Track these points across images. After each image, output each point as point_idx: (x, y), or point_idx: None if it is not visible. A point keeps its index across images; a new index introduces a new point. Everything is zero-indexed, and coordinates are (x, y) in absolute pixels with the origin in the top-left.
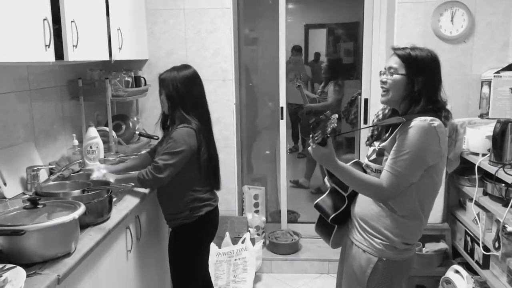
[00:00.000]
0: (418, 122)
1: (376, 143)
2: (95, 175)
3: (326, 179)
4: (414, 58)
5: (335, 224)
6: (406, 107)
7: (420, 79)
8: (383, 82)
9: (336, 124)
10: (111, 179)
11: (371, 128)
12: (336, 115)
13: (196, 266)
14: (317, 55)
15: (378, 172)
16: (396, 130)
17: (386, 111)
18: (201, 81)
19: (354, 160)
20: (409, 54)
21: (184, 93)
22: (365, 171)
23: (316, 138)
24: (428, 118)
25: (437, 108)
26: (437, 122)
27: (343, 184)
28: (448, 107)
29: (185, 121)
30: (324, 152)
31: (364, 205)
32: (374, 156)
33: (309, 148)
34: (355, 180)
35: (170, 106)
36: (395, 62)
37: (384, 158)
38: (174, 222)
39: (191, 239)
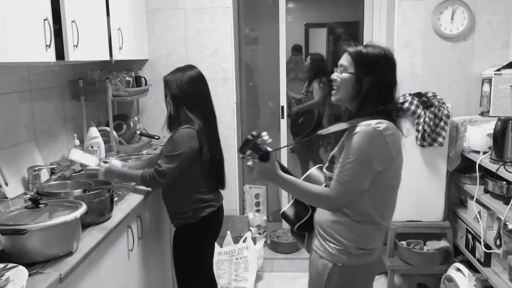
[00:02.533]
0: (363, 128)
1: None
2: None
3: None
4: (365, 56)
5: (303, 232)
6: (355, 107)
7: (368, 78)
8: (333, 80)
9: (271, 140)
10: (117, 167)
11: None
12: (265, 132)
13: (198, 265)
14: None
15: (331, 180)
16: (344, 136)
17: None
18: (206, 81)
19: (318, 165)
20: (360, 52)
21: (188, 93)
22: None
23: (249, 156)
24: (373, 122)
25: (390, 109)
26: (383, 125)
27: None
28: (449, 105)
29: (188, 122)
30: (266, 167)
31: (321, 212)
32: (327, 164)
33: (249, 163)
34: (302, 193)
35: (175, 107)
36: (345, 59)
37: (335, 165)
38: (178, 221)
39: (194, 239)
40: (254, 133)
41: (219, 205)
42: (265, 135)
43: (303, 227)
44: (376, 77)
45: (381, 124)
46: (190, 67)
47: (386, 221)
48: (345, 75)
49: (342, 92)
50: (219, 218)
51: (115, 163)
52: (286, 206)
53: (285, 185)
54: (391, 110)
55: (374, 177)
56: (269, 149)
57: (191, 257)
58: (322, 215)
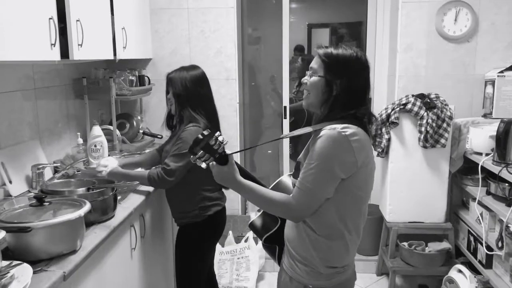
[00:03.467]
0: (327, 131)
1: None
2: (101, 165)
3: None
4: (335, 58)
5: (273, 245)
6: (324, 112)
7: (339, 81)
8: (304, 84)
9: (227, 141)
10: (119, 168)
11: None
12: (219, 132)
13: (201, 264)
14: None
15: None
16: (309, 140)
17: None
18: (209, 82)
19: (288, 173)
20: (330, 54)
21: (192, 92)
22: None
23: (200, 159)
24: (339, 126)
25: (361, 114)
26: (350, 130)
27: None
28: (452, 107)
29: (193, 120)
30: (224, 171)
31: (289, 226)
32: (294, 171)
33: (203, 166)
34: (261, 199)
35: (178, 105)
36: (315, 62)
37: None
38: (183, 220)
39: (199, 238)
40: (205, 132)
41: (224, 204)
42: (219, 136)
43: (271, 239)
44: (347, 79)
45: (348, 128)
46: (194, 67)
47: (354, 235)
48: (314, 78)
49: (312, 96)
50: (223, 218)
51: (111, 162)
52: (256, 216)
53: (243, 191)
54: (362, 116)
55: (339, 185)
56: (227, 151)
57: (195, 256)
58: (289, 231)
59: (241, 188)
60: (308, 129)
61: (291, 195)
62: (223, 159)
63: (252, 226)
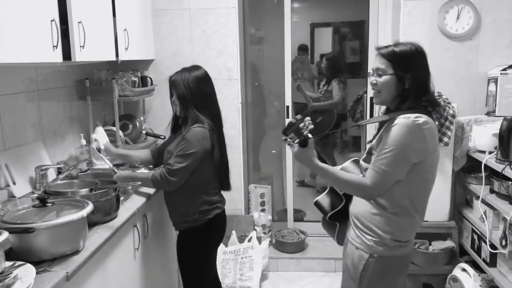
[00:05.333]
0: (402, 120)
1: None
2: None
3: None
4: (399, 55)
5: (336, 222)
6: (396, 104)
7: (409, 75)
8: (373, 84)
9: (313, 126)
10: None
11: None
12: (309, 118)
13: (204, 267)
14: (322, 56)
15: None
16: (383, 128)
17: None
18: (212, 82)
19: (353, 158)
20: (394, 52)
21: (195, 92)
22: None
23: (291, 140)
24: (413, 115)
25: (428, 103)
26: (422, 119)
27: None
28: (455, 105)
29: (198, 121)
30: (304, 153)
31: (358, 203)
32: (365, 155)
33: (290, 148)
34: (337, 180)
35: (183, 107)
36: (381, 62)
37: (372, 156)
38: (183, 225)
39: (200, 242)
40: (298, 116)
41: (223, 207)
42: (307, 121)
43: (335, 216)
44: (415, 72)
45: (420, 118)
46: (196, 67)
47: (420, 215)
48: (386, 77)
49: (385, 94)
50: (223, 220)
51: (100, 136)
52: (320, 195)
53: (321, 172)
54: (427, 104)
55: (410, 168)
56: (309, 135)
57: (196, 260)
58: (359, 208)
59: (318, 169)
60: (384, 117)
61: (361, 175)
62: (306, 142)
63: (317, 204)
